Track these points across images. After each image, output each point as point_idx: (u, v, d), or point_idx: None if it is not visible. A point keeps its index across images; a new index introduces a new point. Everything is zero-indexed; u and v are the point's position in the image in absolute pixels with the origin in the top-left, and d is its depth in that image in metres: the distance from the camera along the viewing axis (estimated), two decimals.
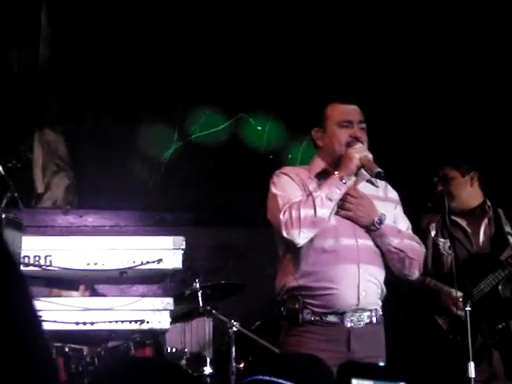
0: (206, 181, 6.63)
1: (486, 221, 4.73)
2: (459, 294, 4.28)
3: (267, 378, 1.93)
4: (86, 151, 6.40)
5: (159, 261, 3.43)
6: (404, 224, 4.09)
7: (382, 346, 3.94)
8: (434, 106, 6.50)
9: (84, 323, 3.43)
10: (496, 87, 6.38)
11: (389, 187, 4.14)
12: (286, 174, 4.07)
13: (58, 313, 3.39)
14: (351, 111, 4.02)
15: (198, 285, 5.32)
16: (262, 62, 6.51)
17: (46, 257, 3.37)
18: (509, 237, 4.64)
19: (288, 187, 4.00)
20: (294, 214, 3.82)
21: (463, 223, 4.72)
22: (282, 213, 3.85)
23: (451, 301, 4.45)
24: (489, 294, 4.51)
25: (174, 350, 5.29)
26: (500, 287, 4.53)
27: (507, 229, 4.68)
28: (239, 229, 6.55)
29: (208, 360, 5.37)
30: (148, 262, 3.42)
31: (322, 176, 4.03)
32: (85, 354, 4.39)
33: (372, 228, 3.92)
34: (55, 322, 3.36)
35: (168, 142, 6.62)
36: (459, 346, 4.04)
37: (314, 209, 3.81)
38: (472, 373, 3.87)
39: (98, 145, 6.39)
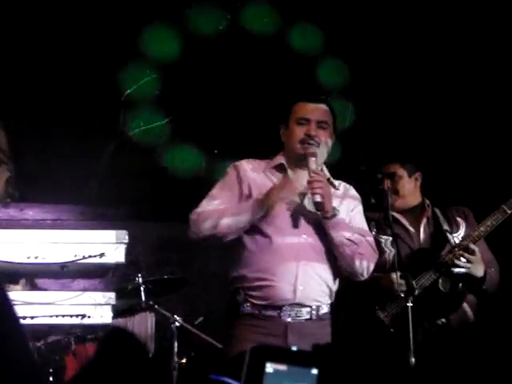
0: (146, 174, 6.59)
1: (425, 219, 4.81)
2: (401, 281, 4.33)
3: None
4: (26, 144, 6.30)
5: (101, 255, 3.40)
6: (360, 225, 4.11)
7: (322, 341, 3.91)
8: (383, 103, 6.57)
9: (24, 317, 3.39)
10: (445, 87, 6.47)
11: (351, 189, 4.17)
12: (237, 166, 4.11)
13: None
14: (312, 110, 4.04)
15: (140, 279, 5.30)
16: None
17: None
18: (447, 234, 4.72)
19: (225, 187, 4.08)
20: (201, 219, 3.97)
21: (404, 221, 4.78)
22: (196, 212, 4.02)
23: (391, 283, 4.47)
24: (429, 288, 4.57)
25: None
26: (440, 281, 4.59)
27: (445, 227, 4.75)
28: (180, 223, 6.51)
29: (150, 355, 5.35)
30: (90, 256, 3.39)
31: (278, 170, 4.09)
32: None
33: (329, 216, 3.90)
34: None
35: (109, 135, 6.57)
36: (400, 341, 4.07)
37: (219, 219, 3.92)
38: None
39: (38, 138, 6.29)
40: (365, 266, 3.98)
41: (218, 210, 3.95)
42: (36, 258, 3.39)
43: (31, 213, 6.29)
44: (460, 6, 6.42)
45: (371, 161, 4.84)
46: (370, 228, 4.53)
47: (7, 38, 6.18)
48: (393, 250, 4.49)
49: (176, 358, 5.25)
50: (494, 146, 6.32)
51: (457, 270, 4.58)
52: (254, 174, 4.08)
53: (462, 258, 4.55)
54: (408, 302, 4.05)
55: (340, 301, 4.17)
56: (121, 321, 5.60)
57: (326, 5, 6.67)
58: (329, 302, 4.02)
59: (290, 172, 4.05)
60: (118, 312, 4.54)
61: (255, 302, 3.92)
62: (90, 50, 6.34)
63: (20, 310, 3.39)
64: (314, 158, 3.92)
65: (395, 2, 6.60)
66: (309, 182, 3.89)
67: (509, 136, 6.23)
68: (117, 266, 3.52)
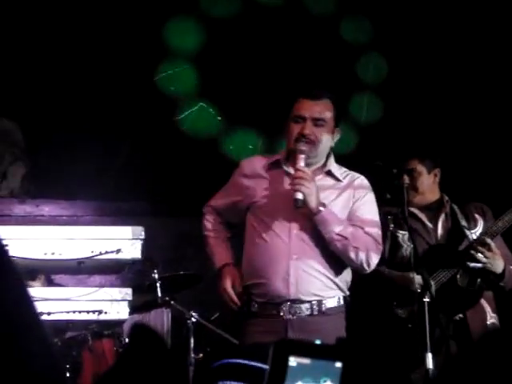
0: (162, 170, 6.59)
1: (443, 215, 4.78)
2: (417, 276, 4.34)
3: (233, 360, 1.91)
4: (42, 140, 6.32)
5: (118, 251, 3.41)
6: (369, 217, 4.04)
7: (329, 336, 3.78)
8: (402, 99, 6.54)
9: (41, 313, 3.40)
10: (465, 86, 6.45)
11: (358, 179, 4.11)
12: (241, 166, 4.23)
13: None
14: (309, 107, 4.01)
15: (156, 275, 5.30)
16: None
17: None
18: (465, 230, 4.70)
19: (226, 186, 4.28)
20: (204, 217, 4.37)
21: (422, 216, 4.76)
22: (206, 206, 4.36)
23: (409, 281, 4.45)
24: (447, 284, 4.55)
25: None
26: (458, 277, 4.58)
27: (463, 223, 4.74)
28: (197, 219, 6.51)
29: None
30: (106, 252, 3.39)
31: (274, 166, 4.12)
32: None
33: (315, 211, 3.89)
34: None
35: (127, 130, 6.57)
36: (417, 337, 4.06)
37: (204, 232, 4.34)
38: (430, 364, 3.89)
39: (55, 134, 6.30)
40: (362, 258, 3.92)
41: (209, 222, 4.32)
42: (53, 254, 3.40)
43: (47, 209, 6.31)
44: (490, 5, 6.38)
45: (390, 156, 4.83)
46: (387, 222, 4.52)
47: (21, 39, 6.19)
48: (410, 245, 4.47)
49: (192, 354, 5.26)
50: None
51: (473, 264, 4.56)
52: (248, 175, 4.15)
53: (479, 254, 4.53)
54: (424, 297, 4.05)
55: (357, 295, 4.17)
56: (137, 317, 5.61)
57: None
58: (337, 295, 3.98)
59: (285, 168, 4.08)
60: (134, 308, 4.54)
61: (257, 299, 3.97)
62: (108, 44, 6.35)
63: (37, 307, 3.40)
64: (302, 156, 3.92)
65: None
66: (292, 180, 3.92)
67: None
68: (133, 261, 3.52)
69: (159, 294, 5.33)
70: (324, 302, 3.93)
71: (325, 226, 3.90)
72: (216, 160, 6.45)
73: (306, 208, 3.89)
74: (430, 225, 4.74)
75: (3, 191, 6.39)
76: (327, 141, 4.03)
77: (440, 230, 4.75)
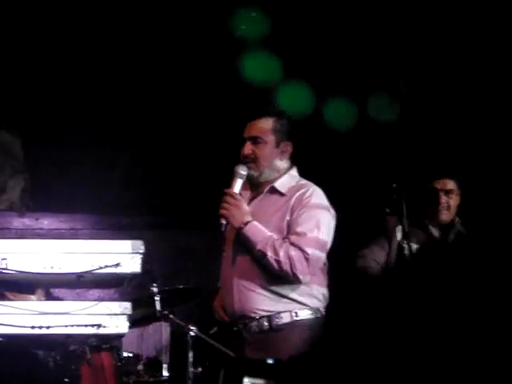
0: (161, 184, 6.59)
1: (452, 235, 4.84)
2: None
3: None
4: (41, 154, 6.32)
5: (117, 265, 3.40)
6: (301, 227, 4.03)
7: (282, 352, 3.83)
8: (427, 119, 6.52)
9: (40, 327, 3.39)
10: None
11: (303, 193, 4.12)
12: None
13: (13, 316, 3.34)
14: (248, 127, 4.18)
15: (155, 289, 5.29)
16: None
17: (2, 260, 3.32)
18: None
19: None
20: None
21: (437, 234, 4.82)
22: None
23: None
24: None
25: (130, 354, 5.26)
26: None
27: None
28: (196, 232, 6.53)
29: (165, 365, 5.35)
30: (106, 266, 3.39)
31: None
32: (40, 358, 4.34)
33: (239, 231, 4.03)
34: (11, 325, 3.32)
35: (126, 144, 6.58)
36: None
37: None
38: None
39: (53, 147, 6.30)
40: (287, 268, 3.94)
41: None
42: (52, 268, 3.39)
43: (46, 222, 6.31)
44: None
45: (423, 173, 4.89)
46: (394, 233, 4.57)
47: (20, 48, 6.19)
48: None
49: (191, 368, 5.24)
50: None
51: None
52: None
53: None
54: None
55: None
56: (135, 330, 5.61)
57: None
58: (291, 309, 4.00)
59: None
60: (132, 321, 4.54)
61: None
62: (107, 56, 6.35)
63: (36, 320, 3.39)
64: (238, 179, 4.08)
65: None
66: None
67: None
68: (133, 275, 3.52)
69: (158, 308, 5.32)
70: (274, 317, 3.95)
71: (247, 242, 4.01)
72: (217, 172, 6.44)
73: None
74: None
75: (2, 204, 6.39)
76: (269, 156, 4.10)
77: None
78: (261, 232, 4.00)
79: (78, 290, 5.02)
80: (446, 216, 4.81)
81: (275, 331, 3.95)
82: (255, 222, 4.02)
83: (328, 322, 4.11)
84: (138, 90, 6.40)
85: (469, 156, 6.14)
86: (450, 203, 4.81)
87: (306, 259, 3.93)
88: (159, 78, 6.40)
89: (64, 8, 6.11)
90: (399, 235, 4.72)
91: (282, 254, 3.92)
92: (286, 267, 3.92)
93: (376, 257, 4.76)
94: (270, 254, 3.92)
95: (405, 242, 4.65)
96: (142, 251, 3.45)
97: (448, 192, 4.80)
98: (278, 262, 3.92)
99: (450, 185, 4.83)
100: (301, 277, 3.94)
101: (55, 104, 6.30)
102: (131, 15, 6.24)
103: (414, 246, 4.69)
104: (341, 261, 4.57)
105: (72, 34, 6.21)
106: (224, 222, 4.02)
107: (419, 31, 6.42)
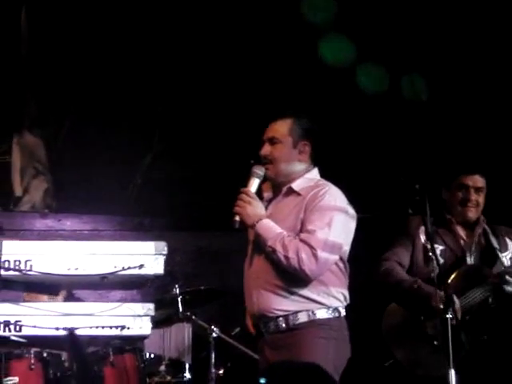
0: (183, 185, 6.61)
1: (478, 234, 4.79)
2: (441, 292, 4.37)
3: None
4: (64, 155, 6.35)
5: (141, 266, 3.43)
6: (312, 225, 3.98)
7: (300, 351, 3.85)
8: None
9: (64, 329, 3.41)
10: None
11: (317, 192, 4.06)
12: None
13: (38, 318, 3.36)
14: (267, 130, 4.19)
15: (177, 290, 5.29)
16: None
17: (26, 261, 3.34)
18: (498, 252, 4.72)
19: None
20: None
21: (463, 234, 4.79)
22: None
23: (430, 294, 4.44)
24: (479, 304, 4.56)
25: (152, 355, 5.26)
26: (490, 300, 4.58)
27: (495, 244, 4.75)
28: (218, 233, 6.53)
29: (187, 366, 5.35)
30: (130, 268, 3.41)
31: None
32: (63, 359, 4.35)
33: (252, 228, 4.04)
34: (35, 327, 3.34)
35: (148, 146, 6.60)
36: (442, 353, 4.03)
37: None
38: (453, 381, 3.86)
39: (76, 148, 6.34)
40: (294, 264, 3.89)
41: None
42: (76, 269, 3.42)
43: (69, 223, 6.33)
44: None
45: (452, 169, 4.87)
46: (418, 234, 4.56)
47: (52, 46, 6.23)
48: (441, 259, 4.45)
49: (213, 369, 5.24)
50: None
51: (508, 288, 4.57)
52: None
53: None
54: (447, 314, 4.02)
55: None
56: (157, 332, 5.61)
57: None
58: (308, 308, 3.95)
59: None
60: (155, 323, 4.54)
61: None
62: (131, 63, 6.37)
63: (60, 322, 3.41)
64: (254, 178, 4.08)
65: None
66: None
67: None
68: (156, 277, 3.53)
69: (180, 309, 5.32)
70: (291, 317, 3.95)
71: (259, 239, 4.00)
72: (239, 174, 6.44)
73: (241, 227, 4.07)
74: (465, 242, 4.76)
75: (25, 205, 6.42)
76: (286, 157, 4.11)
77: (474, 249, 4.75)
78: (272, 229, 4.01)
79: (100, 291, 5.04)
80: (473, 214, 4.77)
81: (292, 330, 3.94)
82: (268, 220, 4.03)
83: (351, 323, 4.10)
84: (158, 93, 6.43)
85: (495, 154, 6.12)
86: (479, 201, 4.78)
87: (315, 256, 3.92)
88: (181, 80, 6.42)
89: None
90: (423, 236, 4.69)
91: (290, 250, 3.92)
92: (294, 263, 3.91)
93: (400, 259, 4.73)
94: (279, 249, 3.93)
95: (428, 243, 4.62)
96: (165, 253, 3.48)
97: (478, 189, 4.77)
98: (287, 258, 3.92)
99: (481, 182, 4.79)
100: (309, 273, 3.93)
101: (78, 106, 6.33)
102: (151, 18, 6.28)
103: (440, 248, 4.66)
104: (363, 262, 4.56)
105: (100, 34, 6.24)
106: (238, 219, 4.04)
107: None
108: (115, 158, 6.33)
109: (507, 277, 4.57)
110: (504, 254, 4.71)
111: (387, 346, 4.68)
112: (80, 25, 6.27)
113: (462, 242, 4.76)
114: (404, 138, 6.44)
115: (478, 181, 4.78)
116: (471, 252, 4.74)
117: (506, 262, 4.68)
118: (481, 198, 4.78)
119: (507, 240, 4.80)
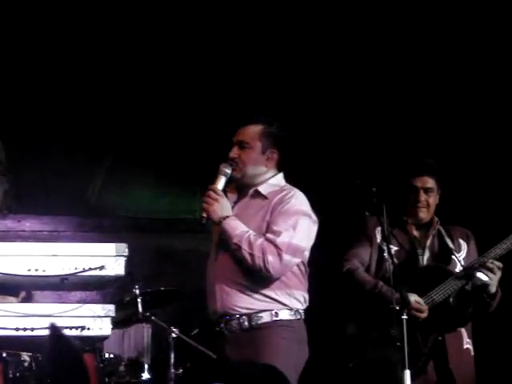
0: (143, 187, 6.62)
1: (431, 235, 4.85)
2: (417, 298, 4.44)
3: None
4: (24, 156, 6.33)
5: (101, 267, 3.43)
6: (278, 226, 4.08)
7: (262, 350, 3.94)
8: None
9: (24, 329, 3.41)
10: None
11: (283, 195, 4.17)
12: None
13: None
14: (238, 132, 4.28)
15: (137, 291, 5.32)
16: None
17: None
18: (454, 252, 4.78)
19: None
20: None
21: (416, 233, 4.84)
22: None
23: (410, 306, 4.48)
24: (439, 304, 4.62)
25: (112, 355, 5.28)
26: (451, 299, 4.64)
27: (450, 245, 4.82)
28: (178, 235, 6.56)
29: (146, 366, 5.38)
30: (90, 269, 3.42)
31: None
32: (23, 359, 4.34)
33: (218, 224, 4.10)
34: None
35: (107, 147, 6.59)
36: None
37: None
38: (408, 381, 3.92)
39: (37, 150, 6.32)
40: (260, 263, 3.97)
41: None
42: (36, 270, 3.42)
43: (28, 224, 6.32)
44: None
45: (403, 170, 4.92)
46: (375, 235, 4.62)
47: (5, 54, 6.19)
48: (395, 260, 4.51)
49: (172, 369, 5.28)
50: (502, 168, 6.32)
51: (481, 276, 4.63)
52: None
53: (489, 271, 4.61)
54: (403, 315, 4.07)
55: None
56: (117, 332, 5.62)
57: None
58: (271, 308, 4.03)
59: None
60: (114, 323, 4.56)
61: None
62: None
63: (19, 322, 3.42)
64: (221, 176, 4.17)
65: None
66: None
67: None
68: (116, 278, 3.55)
69: (140, 310, 5.35)
70: (254, 316, 4.00)
71: (225, 236, 4.07)
72: (198, 175, 6.47)
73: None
74: (421, 243, 4.82)
75: None
76: (253, 161, 4.20)
77: (427, 250, 4.82)
78: (238, 226, 4.07)
79: (60, 292, 5.04)
80: (424, 214, 4.81)
81: (255, 330, 3.99)
82: (234, 217, 4.09)
83: (311, 324, 4.15)
84: (117, 96, 6.42)
85: (450, 156, 6.18)
86: (429, 201, 4.82)
87: (279, 255, 3.99)
88: (140, 82, 6.43)
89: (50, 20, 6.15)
90: (379, 236, 4.76)
91: (256, 248, 3.98)
92: (259, 261, 3.97)
93: (362, 258, 4.78)
94: (244, 247, 3.99)
95: (384, 244, 4.69)
96: (126, 254, 3.49)
97: (427, 190, 4.81)
98: (252, 255, 3.98)
99: (430, 183, 4.83)
100: (272, 272, 3.98)
101: (37, 107, 6.31)
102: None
103: (394, 248, 4.72)
104: (323, 263, 4.61)
105: (54, 40, 6.21)
106: (205, 215, 4.08)
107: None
108: (75, 159, 6.32)
109: (482, 269, 4.63)
110: (458, 255, 4.78)
111: (355, 346, 4.70)
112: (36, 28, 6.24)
113: (415, 242, 4.82)
114: (360, 141, 6.50)
115: (427, 181, 4.84)
116: (424, 252, 4.81)
117: (461, 263, 4.75)
118: (431, 199, 4.83)
119: (461, 241, 4.87)
